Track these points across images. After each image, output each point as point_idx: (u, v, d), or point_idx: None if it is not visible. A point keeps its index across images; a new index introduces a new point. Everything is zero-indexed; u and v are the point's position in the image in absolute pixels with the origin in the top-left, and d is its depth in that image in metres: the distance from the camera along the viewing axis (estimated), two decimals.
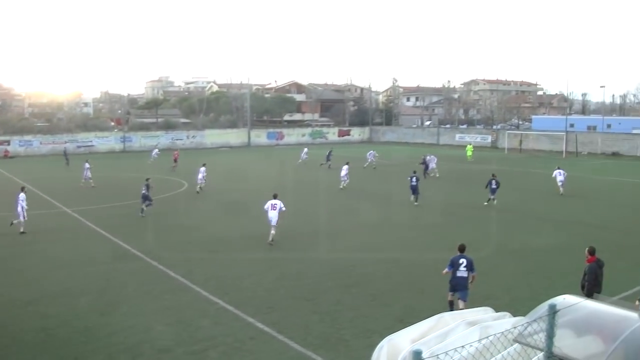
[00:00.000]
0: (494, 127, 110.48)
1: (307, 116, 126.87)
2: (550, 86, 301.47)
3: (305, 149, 68.52)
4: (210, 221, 32.29)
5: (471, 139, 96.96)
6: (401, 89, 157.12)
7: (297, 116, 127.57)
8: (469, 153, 72.33)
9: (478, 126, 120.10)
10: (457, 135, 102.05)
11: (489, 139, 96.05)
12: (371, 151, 62.70)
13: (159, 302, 18.78)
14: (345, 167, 45.67)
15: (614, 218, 33.60)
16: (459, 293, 16.45)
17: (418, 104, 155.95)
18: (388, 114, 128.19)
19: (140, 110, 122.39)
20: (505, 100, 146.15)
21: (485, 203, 37.01)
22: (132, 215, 34.05)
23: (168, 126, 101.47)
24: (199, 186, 43.50)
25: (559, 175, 43.29)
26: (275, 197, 26.91)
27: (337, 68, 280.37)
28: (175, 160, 60.93)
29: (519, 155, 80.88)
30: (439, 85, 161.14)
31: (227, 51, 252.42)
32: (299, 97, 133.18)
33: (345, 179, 45.10)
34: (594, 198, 41.40)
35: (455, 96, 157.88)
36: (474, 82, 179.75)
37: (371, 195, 42.40)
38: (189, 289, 20.11)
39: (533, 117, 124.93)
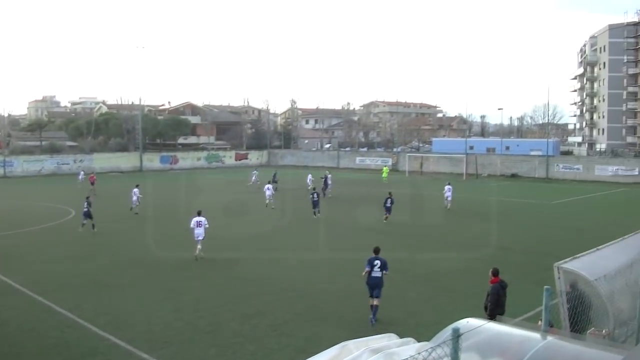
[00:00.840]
0: (395, 149, 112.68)
1: (203, 139, 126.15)
2: (449, 108, 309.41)
3: (255, 172, 69.84)
4: (102, 250, 31.36)
5: (372, 162, 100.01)
6: (300, 111, 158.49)
7: (192, 139, 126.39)
8: (385, 175, 74.01)
9: (379, 149, 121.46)
10: (358, 159, 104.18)
11: (390, 161, 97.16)
12: (309, 175, 63.98)
13: (43, 340, 18.01)
14: (268, 186, 49.17)
15: (515, 239, 34.88)
16: (374, 292, 18.95)
17: (317, 126, 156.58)
18: (287, 137, 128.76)
19: (22, 133, 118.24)
20: (405, 123, 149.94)
21: (384, 220, 39.91)
22: (13, 246, 32.68)
23: (53, 150, 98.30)
24: (134, 207, 44.90)
25: (447, 191, 47.80)
26: (199, 214, 29.23)
27: (233, 89, 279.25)
28: (92, 184, 59.71)
29: (420, 177, 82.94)
30: (338, 107, 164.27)
31: (117, 70, 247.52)
32: (194, 119, 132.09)
33: (271, 198, 47.96)
34: (495, 220, 42.72)
35: (355, 118, 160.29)
36: (374, 104, 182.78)
37: (284, 215, 43.59)
38: (77, 324, 19.39)
39: (433, 139, 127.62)
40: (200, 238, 28.80)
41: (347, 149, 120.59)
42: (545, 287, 9.78)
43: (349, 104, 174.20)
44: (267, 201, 47.63)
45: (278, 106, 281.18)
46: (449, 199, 47.48)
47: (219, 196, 56.25)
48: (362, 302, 20.05)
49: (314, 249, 31.73)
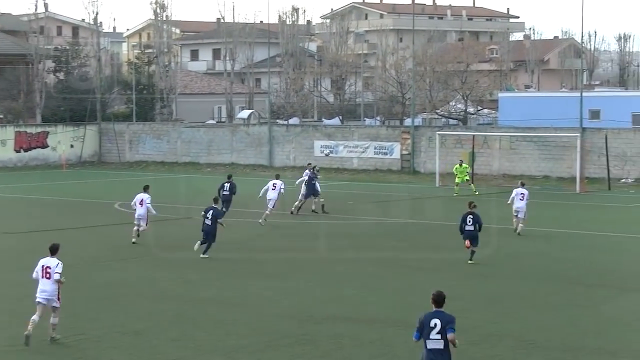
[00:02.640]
0: (407, 120, 59.95)
1: None
2: (540, 22, 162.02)
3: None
4: None
5: (352, 151, 51.77)
6: (177, 31, 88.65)
7: None
8: (461, 177, 39.16)
9: (368, 120, 65.48)
10: (319, 144, 52.90)
11: (395, 149, 50.40)
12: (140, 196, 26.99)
13: None
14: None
15: None
16: None
17: (221, 67, 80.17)
18: (146, 93, 66.86)
19: None
20: (434, 56, 70.53)
21: (469, 260, 21.95)
22: None
23: None
24: None
25: (518, 199, 27.20)
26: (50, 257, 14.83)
27: None
28: None
29: (467, 190, 38.88)
30: (272, 19, 79.32)
31: None
32: None
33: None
34: None
35: (312, 46, 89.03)
36: (358, 9, 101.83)
37: None
38: None
39: (500, 95, 65.54)
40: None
41: (292, 121, 63.70)
42: None
43: (296, 11, 79.99)
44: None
45: (124, 19, 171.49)
46: (520, 213, 26.83)
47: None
48: None
49: None
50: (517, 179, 38.76)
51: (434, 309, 10.81)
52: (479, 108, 69.12)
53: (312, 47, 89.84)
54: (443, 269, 21.18)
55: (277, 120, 62.73)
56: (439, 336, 10.72)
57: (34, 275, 14.97)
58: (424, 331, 10.82)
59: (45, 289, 14.74)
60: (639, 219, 32.88)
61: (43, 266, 14.92)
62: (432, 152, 46.49)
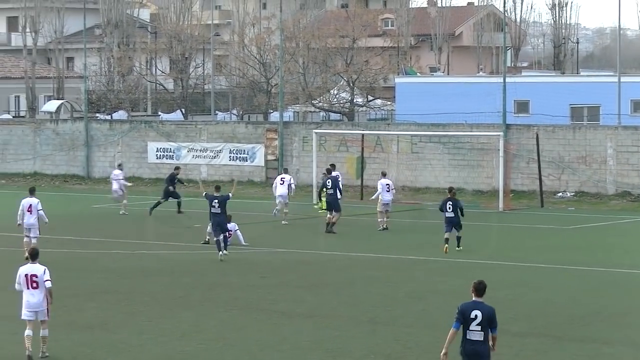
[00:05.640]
0: (274, 115, 54.84)
1: None
2: None
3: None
4: None
5: (203, 158, 44.04)
6: None
7: None
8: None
9: (220, 114, 59.14)
10: (154, 147, 45.45)
11: (257, 154, 42.98)
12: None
13: None
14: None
15: None
16: None
17: (17, 42, 70.79)
18: None
19: None
20: (310, 29, 60.02)
21: (458, 248, 23.98)
22: None
23: None
24: None
25: (385, 191, 28.23)
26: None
27: None
28: None
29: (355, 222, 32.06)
30: None
31: None
32: None
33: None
34: None
35: (144, 14, 77.17)
36: None
37: None
38: None
39: (398, 81, 55.68)
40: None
41: (118, 116, 57.21)
42: None
43: None
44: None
45: None
46: (387, 206, 28.50)
47: None
48: None
49: None
50: (420, 194, 34.57)
51: (474, 298, 11.36)
52: (370, 98, 58.20)
53: (144, 14, 76.28)
54: (320, 314, 17.39)
55: (97, 115, 54.12)
56: (479, 327, 11.50)
57: (17, 287, 14.38)
58: (464, 322, 11.55)
59: (32, 301, 14.21)
60: (579, 244, 27.42)
61: (27, 275, 14.24)
62: (307, 157, 38.56)
